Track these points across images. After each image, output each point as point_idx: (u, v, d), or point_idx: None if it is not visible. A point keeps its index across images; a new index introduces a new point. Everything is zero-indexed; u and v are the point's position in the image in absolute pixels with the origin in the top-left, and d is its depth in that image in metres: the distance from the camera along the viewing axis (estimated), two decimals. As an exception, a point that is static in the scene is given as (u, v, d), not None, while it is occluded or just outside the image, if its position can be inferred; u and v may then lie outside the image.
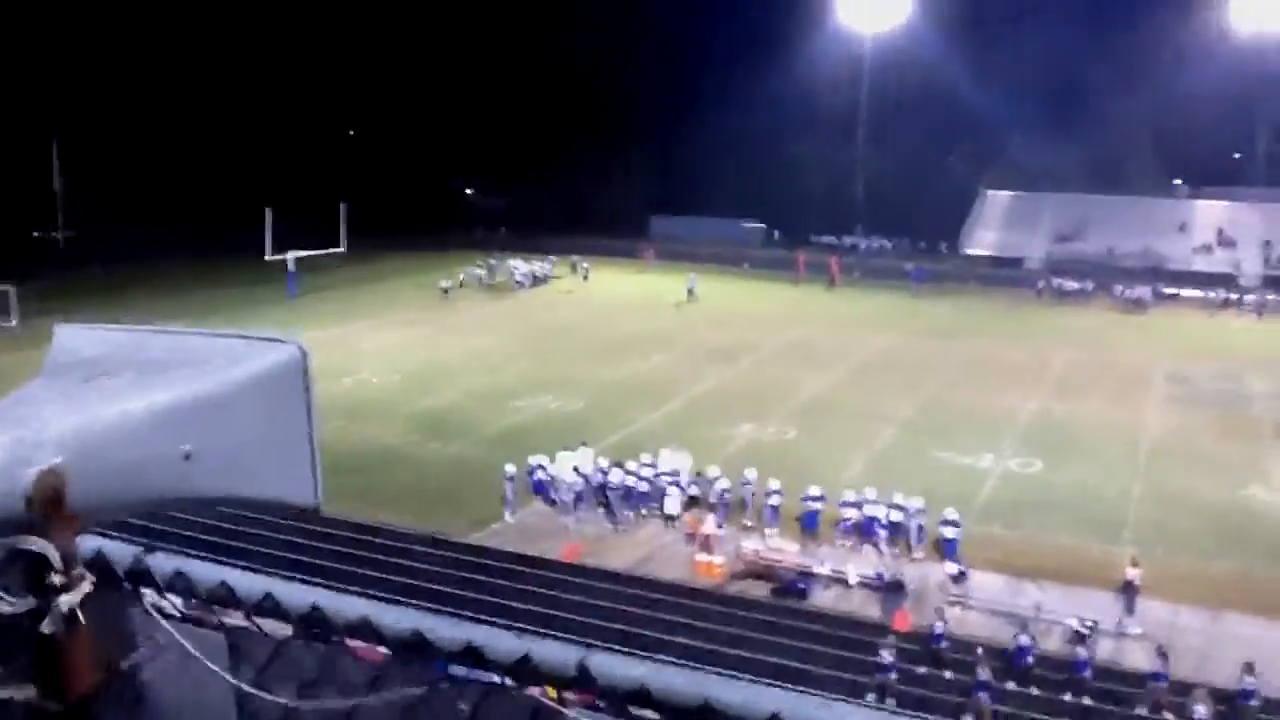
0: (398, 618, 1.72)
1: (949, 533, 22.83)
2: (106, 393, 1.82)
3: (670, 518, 24.94)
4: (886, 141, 73.56)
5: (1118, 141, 68.39)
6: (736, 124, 73.73)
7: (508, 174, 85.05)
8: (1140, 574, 20.75)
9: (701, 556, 22.47)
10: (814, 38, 71.88)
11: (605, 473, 25.53)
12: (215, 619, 1.73)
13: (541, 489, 25.83)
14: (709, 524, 23.22)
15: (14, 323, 44.38)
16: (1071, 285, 58.37)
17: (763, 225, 76.89)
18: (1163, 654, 17.83)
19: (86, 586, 1.58)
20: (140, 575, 1.73)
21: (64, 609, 1.56)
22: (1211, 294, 57.14)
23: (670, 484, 25.28)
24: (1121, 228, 65.00)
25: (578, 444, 27.11)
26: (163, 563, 1.71)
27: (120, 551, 1.75)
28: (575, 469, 25.47)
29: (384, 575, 21.22)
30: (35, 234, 67.97)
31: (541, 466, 26.05)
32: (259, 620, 1.71)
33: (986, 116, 68.61)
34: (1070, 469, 28.81)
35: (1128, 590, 20.62)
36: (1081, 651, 18.35)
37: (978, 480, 27.90)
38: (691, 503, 25.16)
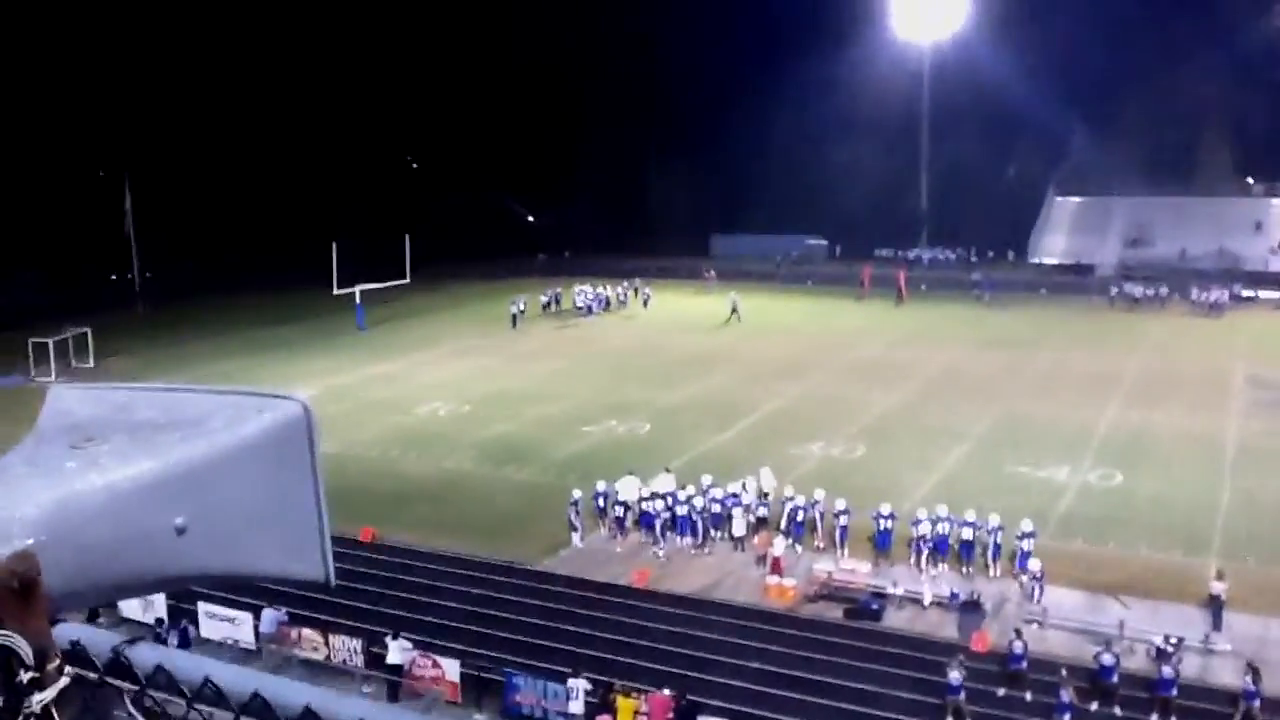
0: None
1: (1024, 545, 22.35)
2: (90, 461, 1.66)
3: (738, 540, 24.79)
4: (948, 151, 72.58)
5: (1188, 140, 66.86)
6: (794, 140, 73.52)
7: (568, 197, 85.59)
8: (1227, 587, 20.15)
9: (772, 579, 22.28)
10: (869, 50, 71.37)
11: (676, 499, 25.42)
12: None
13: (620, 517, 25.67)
14: (778, 546, 23.04)
15: (91, 364, 45.67)
16: (1145, 290, 56.99)
17: (824, 241, 76.38)
18: (1254, 670, 17.27)
19: (62, 683, 1.45)
20: (120, 669, 1.65)
21: (36, 709, 1.42)
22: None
23: (735, 505, 25.12)
24: (1194, 229, 63.52)
25: (660, 470, 26.98)
26: (145, 655, 1.63)
27: (100, 642, 1.67)
28: (660, 495, 25.34)
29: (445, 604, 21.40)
30: (113, 277, 69.91)
31: (610, 492, 26.00)
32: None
33: (1050, 120, 67.50)
34: (1151, 480, 28.10)
35: (1214, 604, 20.03)
36: (1167, 669, 17.84)
37: (1055, 494, 27.34)
38: (760, 524, 24.97)
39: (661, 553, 24.40)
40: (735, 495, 25.42)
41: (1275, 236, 63.05)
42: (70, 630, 1.70)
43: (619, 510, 25.45)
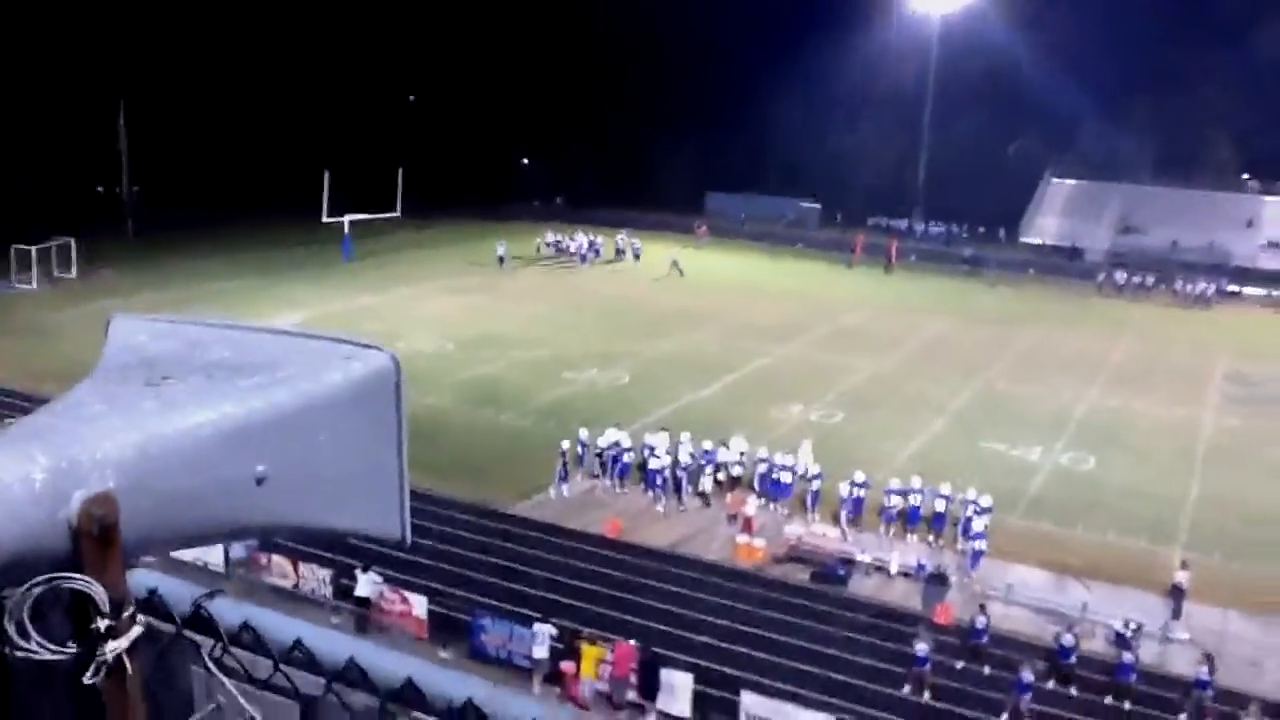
0: (507, 704, 1.52)
1: (976, 518, 22.55)
2: (169, 403, 1.56)
3: (703, 496, 24.96)
4: (949, 125, 72.21)
5: (1188, 133, 66.79)
6: (796, 103, 72.92)
7: (564, 145, 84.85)
8: (1189, 577, 20.43)
9: (742, 538, 22.45)
10: (879, 17, 70.77)
11: (658, 452, 25.53)
12: (290, 683, 1.57)
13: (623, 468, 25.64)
14: (750, 505, 23.20)
15: (73, 274, 45.28)
16: (1132, 278, 57.16)
17: (818, 205, 76.15)
18: (1210, 660, 17.56)
19: (136, 632, 1.39)
20: (200, 623, 1.57)
21: (109, 658, 1.37)
22: (1277, 292, 55.79)
23: (709, 463, 25.23)
24: (1187, 221, 63.58)
25: (657, 430, 27.01)
26: (227, 611, 1.55)
27: (179, 593, 1.59)
28: (664, 451, 25.37)
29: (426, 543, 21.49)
30: (99, 189, 69.17)
31: (588, 441, 26.07)
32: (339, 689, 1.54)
33: (1053, 103, 67.26)
34: (1123, 467, 28.35)
35: (1176, 594, 20.32)
36: (1128, 655, 18.12)
37: (1027, 474, 27.58)
38: (733, 483, 25.12)
39: (662, 508, 24.53)
40: (710, 453, 25.57)
41: (1266, 234, 63.23)
42: (147, 578, 1.63)
43: (602, 460, 25.56)
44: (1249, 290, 56.68)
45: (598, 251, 58.32)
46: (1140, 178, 67.74)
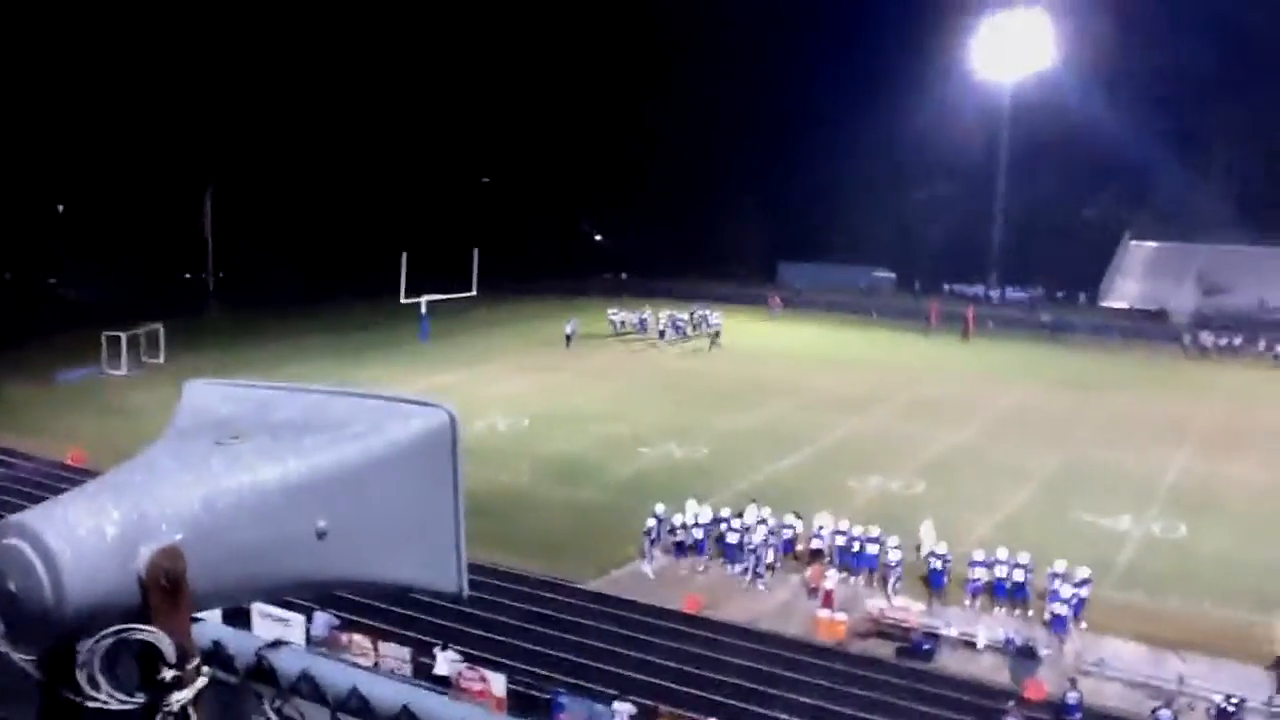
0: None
1: (1083, 592, 21.92)
2: (236, 460, 1.63)
3: (770, 569, 24.60)
4: (1024, 188, 71.79)
5: (1269, 187, 65.37)
6: (867, 170, 73.03)
7: (635, 219, 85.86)
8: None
9: (823, 613, 22.05)
10: (950, 87, 70.88)
11: (730, 526, 25.31)
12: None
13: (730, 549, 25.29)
14: (830, 579, 22.81)
15: (161, 360, 46.71)
16: (1219, 339, 55.68)
17: (892, 274, 75.79)
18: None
19: (201, 683, 1.43)
20: (263, 674, 1.61)
21: (175, 708, 1.40)
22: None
23: (770, 535, 24.95)
24: (1274, 279, 61.98)
25: (747, 502, 26.81)
26: (288, 660, 1.59)
27: (242, 644, 1.64)
28: (748, 524, 25.20)
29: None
30: (187, 276, 71.63)
31: (666, 517, 25.93)
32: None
33: (1130, 162, 66.52)
34: (1218, 534, 27.37)
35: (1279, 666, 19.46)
36: (1229, 730, 17.36)
37: (1117, 544, 26.76)
38: (814, 556, 24.74)
39: (744, 582, 24.24)
40: (790, 526, 25.29)
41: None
42: (210, 630, 1.68)
43: (681, 535, 25.40)
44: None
45: (678, 328, 57.70)
46: (1223, 234, 66.26)
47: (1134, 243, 70.78)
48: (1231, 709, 18.02)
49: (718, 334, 54.74)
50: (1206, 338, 56.04)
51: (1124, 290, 67.94)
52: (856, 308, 67.39)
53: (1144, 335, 58.46)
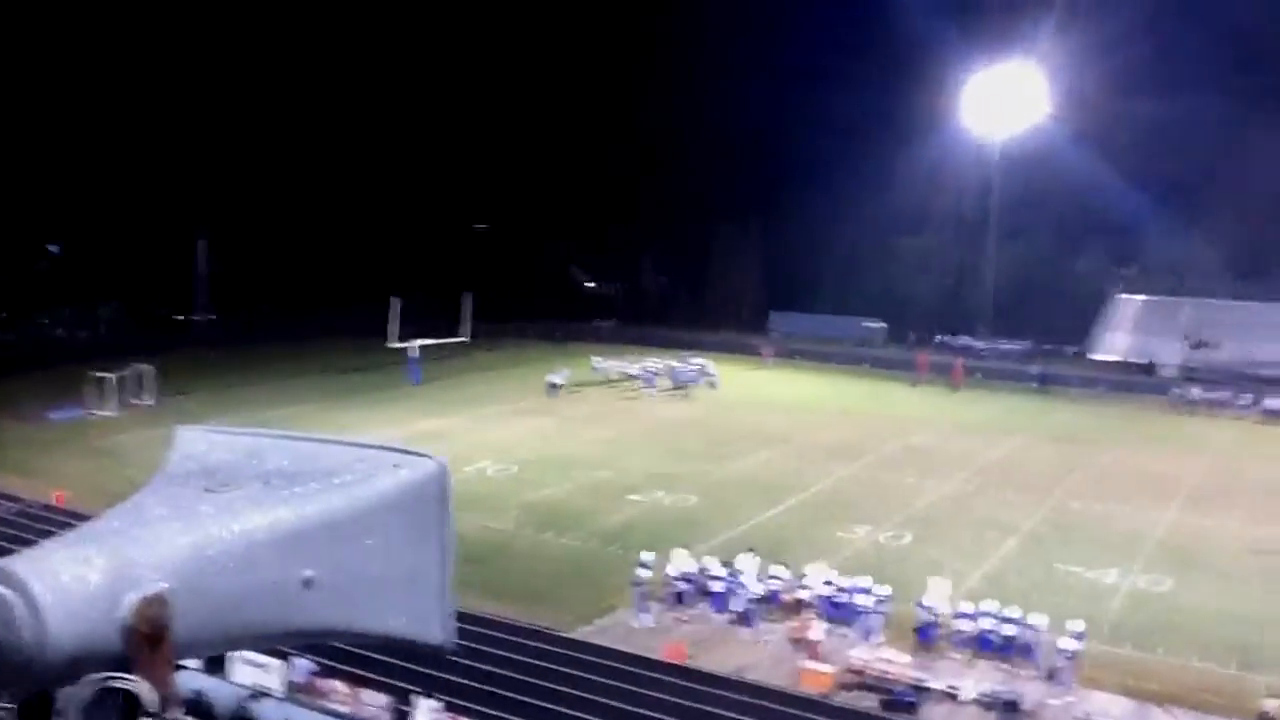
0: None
1: (1078, 646, 21.83)
2: (225, 508, 1.63)
3: (742, 618, 24.52)
4: (1014, 240, 72.45)
5: (1259, 241, 66.07)
6: (859, 221, 73.64)
7: (627, 266, 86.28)
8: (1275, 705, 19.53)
9: (808, 664, 21.96)
10: (942, 136, 71.64)
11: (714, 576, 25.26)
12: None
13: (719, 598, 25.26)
14: (815, 630, 22.75)
15: (152, 401, 46.61)
16: (1207, 394, 55.93)
17: (883, 324, 76.10)
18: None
19: None
20: None
21: None
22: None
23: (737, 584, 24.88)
24: (1261, 335, 62.33)
25: (739, 551, 26.69)
26: (270, 711, 1.64)
27: (223, 694, 1.68)
28: (735, 574, 25.14)
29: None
30: (178, 317, 71.68)
31: (653, 565, 25.87)
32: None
33: (1119, 216, 67.27)
34: (1205, 588, 27.40)
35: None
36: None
37: (1104, 597, 26.75)
38: (801, 607, 24.67)
39: (730, 632, 24.11)
40: (776, 576, 25.24)
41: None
42: (193, 679, 1.70)
43: (672, 584, 25.28)
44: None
45: (671, 376, 56.75)
46: (1211, 289, 66.77)
47: (1123, 296, 71.23)
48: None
49: (711, 383, 54.61)
50: (1194, 392, 56.28)
51: (1112, 344, 68.25)
52: (848, 358, 67.58)
53: (1132, 389, 58.70)
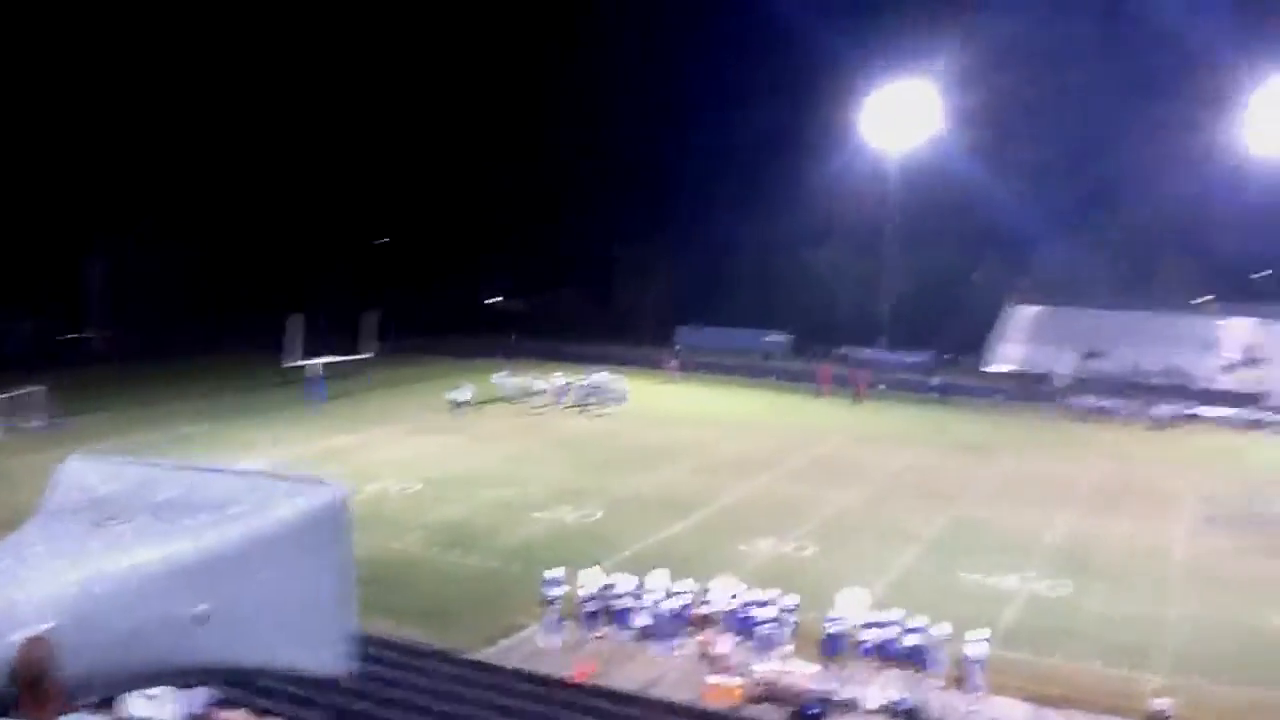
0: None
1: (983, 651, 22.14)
2: (115, 542, 1.57)
3: (650, 633, 24.41)
4: (913, 253, 74.04)
5: (1147, 256, 68.73)
6: (764, 235, 74.68)
7: (539, 280, 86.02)
8: (1171, 703, 20.03)
9: (714, 678, 21.90)
10: (844, 150, 72.92)
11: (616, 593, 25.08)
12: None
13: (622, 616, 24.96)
14: (721, 644, 22.71)
15: (43, 423, 44.84)
16: (1098, 402, 57.74)
17: (787, 337, 76.99)
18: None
19: None
20: None
21: None
22: (1239, 413, 56.36)
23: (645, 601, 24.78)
24: (1148, 344, 64.58)
25: (646, 567, 26.44)
26: None
27: None
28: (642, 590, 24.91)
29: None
30: (69, 336, 69.28)
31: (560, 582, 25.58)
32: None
33: (1014, 230, 69.40)
34: (1100, 592, 28.10)
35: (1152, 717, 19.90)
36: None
37: (1003, 602, 27.24)
38: (706, 622, 24.61)
39: (639, 650, 23.88)
40: (682, 592, 25.13)
41: (1225, 356, 64.22)
42: None
43: (582, 603, 24.98)
44: (1212, 411, 57.17)
45: (577, 392, 56.52)
46: (1102, 300, 69.14)
47: (1017, 307, 73.18)
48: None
49: (618, 398, 54.47)
50: (1085, 401, 58.03)
51: (1008, 354, 70.04)
52: (753, 370, 68.17)
53: (1028, 398, 60.28)
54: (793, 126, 71.31)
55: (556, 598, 24.59)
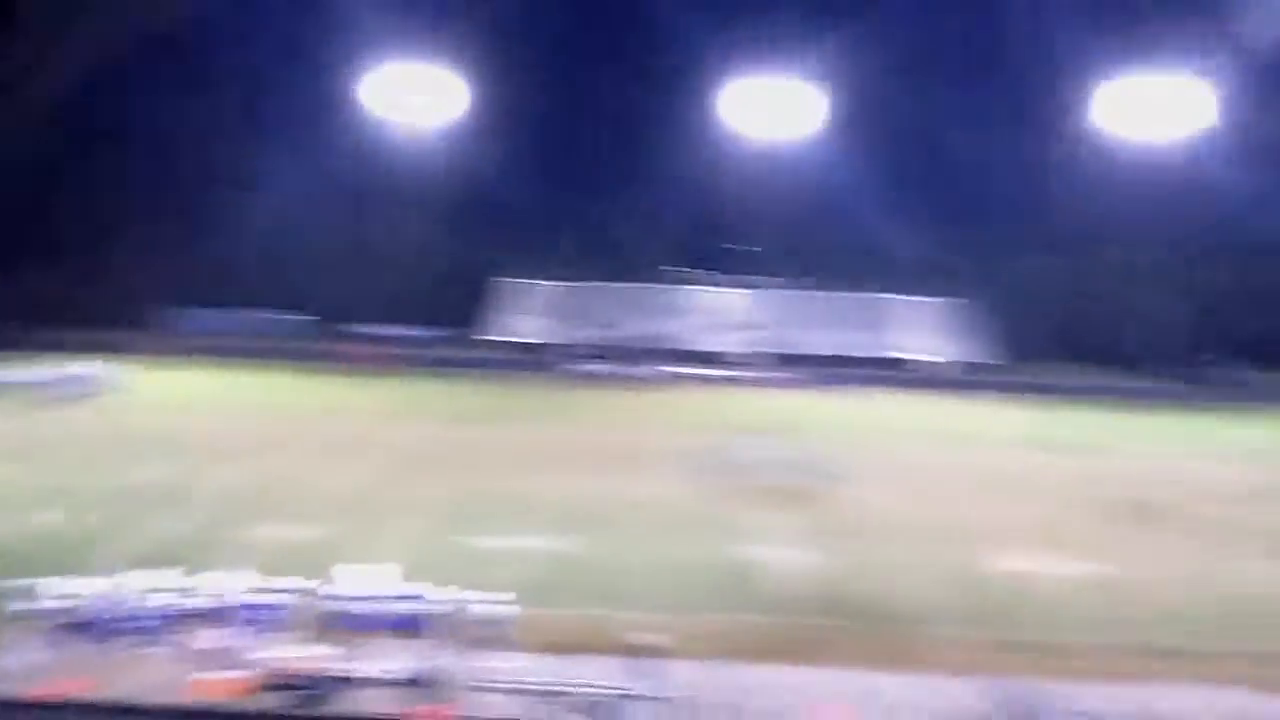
0: None
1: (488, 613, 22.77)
2: None
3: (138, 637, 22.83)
4: (405, 226, 74.79)
5: (625, 230, 74.54)
6: (276, 212, 71.60)
7: (24, 260, 75.93)
8: (655, 638, 21.84)
9: (203, 674, 20.68)
10: (362, 129, 71.87)
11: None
12: None
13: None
14: (210, 639, 21.56)
15: None
16: (589, 367, 61.97)
17: (298, 316, 74.74)
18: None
19: None
20: None
21: None
22: (711, 371, 63.01)
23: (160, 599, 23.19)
24: (628, 312, 70.30)
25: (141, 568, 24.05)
26: None
27: None
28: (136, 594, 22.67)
29: None
30: None
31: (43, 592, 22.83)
32: None
33: (504, 204, 72.33)
34: (602, 544, 30.04)
35: (639, 653, 21.63)
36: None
37: (512, 563, 28.23)
38: (202, 617, 23.11)
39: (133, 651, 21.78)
40: (179, 590, 23.45)
41: (696, 320, 71.56)
42: None
43: (67, 616, 22.39)
44: (688, 370, 63.32)
45: (84, 383, 50.95)
46: (586, 274, 74.29)
47: (507, 280, 76.33)
48: (615, 700, 19.73)
49: (111, 388, 49.67)
50: (578, 367, 62.09)
51: (502, 325, 72.94)
52: (264, 352, 65.31)
53: (522, 367, 63.30)
54: (302, 94, 69.12)
55: (23, 611, 21.98)
